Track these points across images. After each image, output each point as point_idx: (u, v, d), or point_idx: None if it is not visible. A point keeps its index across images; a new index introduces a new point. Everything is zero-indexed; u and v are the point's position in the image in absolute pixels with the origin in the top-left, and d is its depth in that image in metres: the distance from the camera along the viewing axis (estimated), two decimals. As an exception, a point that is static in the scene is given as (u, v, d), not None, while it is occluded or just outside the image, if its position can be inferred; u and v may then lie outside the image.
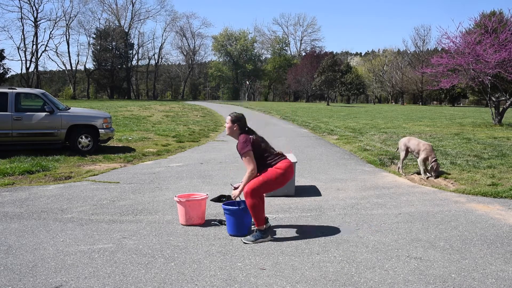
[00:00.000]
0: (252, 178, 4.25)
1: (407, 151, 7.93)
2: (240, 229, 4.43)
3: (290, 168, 4.37)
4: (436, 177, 7.38)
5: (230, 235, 4.44)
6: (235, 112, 4.59)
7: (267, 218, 4.45)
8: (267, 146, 4.43)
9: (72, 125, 9.96)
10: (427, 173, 7.50)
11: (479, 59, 18.12)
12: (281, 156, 4.42)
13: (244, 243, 4.19)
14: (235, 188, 4.49)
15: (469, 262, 3.72)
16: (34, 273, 3.46)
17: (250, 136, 4.35)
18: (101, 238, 4.32)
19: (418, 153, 7.67)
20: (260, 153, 4.33)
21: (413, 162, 8.68)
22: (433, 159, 7.38)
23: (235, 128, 4.44)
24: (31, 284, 3.27)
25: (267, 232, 4.29)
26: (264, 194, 4.40)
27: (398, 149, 8.28)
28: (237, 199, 4.48)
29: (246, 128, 4.47)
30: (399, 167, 8.02)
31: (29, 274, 3.44)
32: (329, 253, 3.94)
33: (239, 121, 4.45)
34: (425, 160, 7.52)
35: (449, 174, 7.62)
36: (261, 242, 4.20)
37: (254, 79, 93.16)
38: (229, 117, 4.49)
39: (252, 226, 4.63)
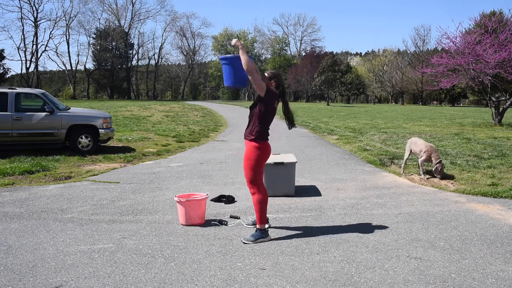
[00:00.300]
0: (244, 61, 4.05)
1: (411, 151, 7.93)
2: (238, 78, 4.22)
3: (266, 147, 4.30)
4: (442, 179, 7.31)
5: (227, 86, 4.32)
6: (272, 70, 4.47)
7: (268, 219, 4.45)
8: (272, 117, 4.35)
9: (72, 125, 9.95)
10: (436, 175, 7.42)
11: (479, 59, 18.12)
12: (267, 136, 4.34)
13: (244, 243, 4.19)
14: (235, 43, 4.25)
15: (469, 262, 3.72)
16: (34, 273, 3.46)
17: (276, 94, 4.28)
18: (101, 238, 4.32)
19: (420, 154, 7.66)
20: (265, 114, 4.23)
21: (413, 162, 8.68)
22: (437, 161, 7.34)
23: (272, 85, 4.32)
24: (31, 284, 3.27)
25: (267, 232, 4.29)
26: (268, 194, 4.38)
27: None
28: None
29: (282, 87, 4.38)
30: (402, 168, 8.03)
31: (29, 274, 3.44)
32: (329, 253, 3.94)
33: (276, 77, 4.36)
34: (426, 161, 7.51)
35: (454, 177, 7.60)
36: (261, 242, 4.20)
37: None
38: (266, 74, 4.37)
39: (252, 226, 4.64)
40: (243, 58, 4.06)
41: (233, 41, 4.24)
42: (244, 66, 4.06)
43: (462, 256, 3.86)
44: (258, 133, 4.24)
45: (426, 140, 12.89)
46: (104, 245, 4.13)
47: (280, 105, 4.48)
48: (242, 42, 4.16)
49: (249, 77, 4.13)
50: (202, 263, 3.70)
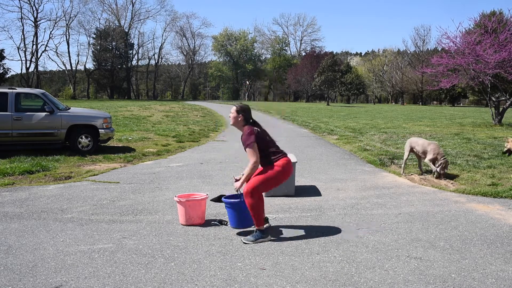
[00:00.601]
0: (254, 171, 4.22)
1: (412, 151, 7.90)
2: (242, 221, 4.40)
3: (289, 166, 4.35)
4: (441, 177, 7.29)
5: (233, 227, 4.43)
6: (241, 103, 4.54)
7: (267, 218, 4.45)
8: (271, 140, 4.40)
9: (72, 125, 9.96)
10: (440, 171, 7.35)
11: (479, 59, 18.12)
12: (282, 153, 4.41)
13: (244, 243, 4.19)
14: (237, 180, 4.45)
15: (469, 262, 3.72)
16: (34, 273, 3.46)
17: (255, 128, 4.32)
18: (101, 238, 4.32)
19: (424, 153, 7.63)
20: (264, 146, 4.29)
21: (413, 162, 8.68)
22: (443, 157, 7.33)
23: (239, 119, 4.38)
24: (31, 284, 3.27)
25: (267, 232, 4.29)
26: (263, 194, 4.39)
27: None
28: (239, 191, 4.44)
29: (251, 120, 4.43)
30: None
31: (29, 274, 3.44)
32: (329, 253, 3.94)
33: (244, 111, 4.40)
34: (434, 160, 7.45)
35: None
36: (261, 242, 4.20)
37: (254, 79, 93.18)
38: (234, 108, 4.43)
39: (252, 226, 4.64)
40: (246, 176, 4.24)
41: (235, 187, 4.39)
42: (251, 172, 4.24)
43: (462, 256, 3.86)
44: (272, 158, 4.30)
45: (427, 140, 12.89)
46: (104, 245, 4.13)
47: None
48: (240, 185, 4.33)
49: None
50: (202, 263, 3.70)
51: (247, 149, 4.24)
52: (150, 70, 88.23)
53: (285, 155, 4.40)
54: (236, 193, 4.47)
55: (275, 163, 4.28)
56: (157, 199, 5.92)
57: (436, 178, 7.34)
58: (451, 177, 7.46)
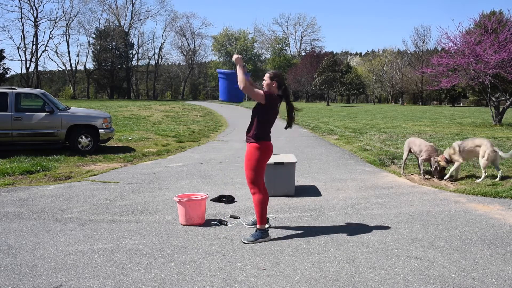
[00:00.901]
0: (240, 82, 4.10)
1: (410, 151, 7.92)
2: (233, 95, 4.25)
3: (269, 148, 4.30)
4: (440, 178, 7.30)
5: (222, 100, 4.34)
6: (273, 70, 4.46)
7: (268, 219, 4.45)
8: (273, 119, 4.33)
9: (72, 125, 9.96)
10: (435, 175, 7.37)
11: (479, 59, 18.12)
12: (268, 137, 4.34)
13: (244, 243, 4.19)
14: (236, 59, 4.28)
15: (469, 262, 3.72)
16: (34, 273, 3.46)
17: (278, 104, 4.27)
18: (101, 238, 4.32)
19: (420, 153, 7.65)
20: (267, 119, 4.25)
21: (413, 162, 8.68)
22: (436, 162, 7.33)
23: (274, 85, 4.31)
24: (31, 284, 3.27)
25: (267, 232, 4.29)
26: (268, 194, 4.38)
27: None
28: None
29: (284, 87, 4.35)
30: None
31: (29, 274, 3.44)
32: (329, 253, 3.94)
33: (277, 77, 4.33)
34: (427, 160, 7.50)
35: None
36: (261, 242, 4.20)
37: (254, 79, 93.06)
38: (267, 74, 4.35)
39: (252, 226, 4.64)
40: (239, 75, 4.10)
41: (234, 57, 4.26)
42: (240, 84, 4.10)
43: (462, 256, 3.86)
44: (259, 135, 4.24)
45: (426, 140, 12.89)
46: (104, 245, 4.13)
47: (283, 104, 4.47)
48: (241, 60, 4.20)
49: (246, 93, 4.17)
50: (202, 263, 3.70)
51: (257, 89, 4.16)
52: (150, 70, 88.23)
53: (268, 138, 4.34)
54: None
55: (259, 142, 4.21)
56: (157, 199, 5.92)
57: (438, 178, 7.34)
58: (451, 177, 7.46)
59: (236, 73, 4.18)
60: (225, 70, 4.34)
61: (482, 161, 7.04)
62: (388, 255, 3.87)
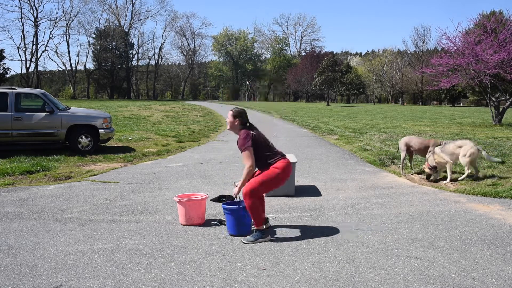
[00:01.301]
0: (250, 175, 4.24)
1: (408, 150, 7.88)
2: (240, 228, 4.41)
3: (288, 167, 4.35)
4: (435, 181, 7.22)
5: (231, 235, 4.44)
6: (237, 107, 4.58)
7: (267, 218, 4.45)
8: (268, 143, 4.42)
9: (72, 125, 9.96)
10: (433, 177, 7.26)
11: (479, 59, 18.12)
12: (281, 155, 4.41)
13: (244, 243, 4.19)
14: (236, 195, 4.47)
15: (469, 262, 3.72)
16: (34, 273, 3.46)
17: (251, 132, 4.34)
18: (101, 238, 4.32)
19: (419, 151, 7.61)
20: (261, 150, 4.31)
21: (413, 162, 8.68)
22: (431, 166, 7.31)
23: (236, 123, 4.43)
24: (31, 284, 3.27)
25: (267, 232, 4.29)
26: (264, 194, 4.40)
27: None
28: (237, 198, 4.47)
29: (248, 124, 4.45)
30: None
31: (29, 274, 3.44)
32: (329, 253, 3.94)
33: (240, 116, 4.43)
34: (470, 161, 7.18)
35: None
36: (261, 242, 4.20)
37: (254, 79, 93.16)
38: (230, 112, 4.47)
39: (252, 226, 4.64)
40: (243, 182, 4.24)
41: (234, 193, 4.42)
42: (248, 176, 4.24)
43: (462, 256, 3.86)
44: (270, 161, 4.30)
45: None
46: (104, 245, 4.13)
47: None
48: (238, 191, 4.33)
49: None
50: (202, 263, 3.70)
51: (242, 153, 4.27)
52: (150, 70, 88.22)
53: (283, 156, 4.41)
54: (235, 199, 4.49)
55: (273, 165, 4.29)
56: (157, 199, 5.92)
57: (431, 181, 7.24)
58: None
59: (242, 208, 4.35)
60: (230, 207, 4.46)
61: (463, 159, 7.06)
62: (388, 255, 3.87)
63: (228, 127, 4.51)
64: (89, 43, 77.12)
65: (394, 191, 6.54)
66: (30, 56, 69.98)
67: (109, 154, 9.84)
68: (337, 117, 27.21)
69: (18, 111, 9.54)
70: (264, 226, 4.29)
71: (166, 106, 36.08)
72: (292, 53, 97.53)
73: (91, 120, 10.24)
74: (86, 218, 5.02)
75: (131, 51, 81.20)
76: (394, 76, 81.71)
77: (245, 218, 4.41)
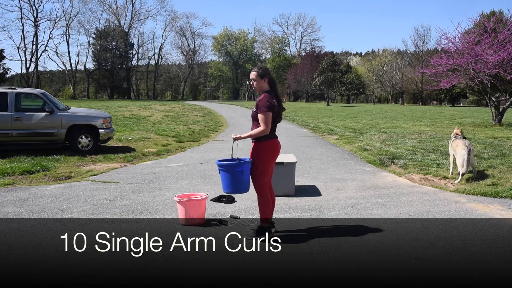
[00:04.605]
0: (258, 135, 4.10)
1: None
2: (237, 187, 4.21)
3: (277, 146, 4.29)
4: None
5: (225, 192, 4.34)
6: (259, 65, 4.32)
7: (273, 223, 4.41)
8: (276, 122, 4.29)
9: (72, 125, 9.96)
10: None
11: (478, 59, 18.12)
12: (275, 135, 4.32)
13: (246, 238, 4.17)
14: (235, 139, 4.25)
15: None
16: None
17: (274, 101, 4.15)
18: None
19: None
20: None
21: (413, 162, 8.68)
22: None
23: (264, 83, 4.17)
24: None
25: (269, 231, 4.28)
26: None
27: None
28: (238, 154, 4.25)
29: (274, 86, 4.22)
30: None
31: (29, 274, 3.44)
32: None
33: (268, 73, 4.19)
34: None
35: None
36: (261, 239, 4.19)
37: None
38: (254, 72, 4.18)
39: (253, 226, 4.63)
40: (253, 135, 4.11)
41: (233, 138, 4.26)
42: (262, 133, 4.07)
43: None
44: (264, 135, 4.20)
45: (426, 139, 12.91)
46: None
47: None
48: (238, 137, 4.20)
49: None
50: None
51: (260, 114, 4.05)
52: (150, 70, 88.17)
53: (275, 137, 4.32)
54: (232, 157, 4.29)
55: (266, 141, 4.18)
56: (157, 199, 5.92)
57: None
58: (451, 177, 7.46)
59: (238, 164, 4.15)
60: (224, 162, 4.27)
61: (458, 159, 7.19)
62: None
63: (257, 90, 4.20)
64: (89, 43, 77.07)
65: (394, 191, 6.55)
66: (30, 56, 69.97)
67: (109, 154, 9.84)
68: (337, 117, 27.20)
69: (18, 111, 9.55)
70: (267, 224, 4.27)
71: (166, 106, 36.07)
72: (292, 53, 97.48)
73: (91, 120, 10.24)
74: (86, 218, 5.01)
75: (131, 51, 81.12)
76: (394, 76, 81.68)
77: (242, 175, 4.14)
